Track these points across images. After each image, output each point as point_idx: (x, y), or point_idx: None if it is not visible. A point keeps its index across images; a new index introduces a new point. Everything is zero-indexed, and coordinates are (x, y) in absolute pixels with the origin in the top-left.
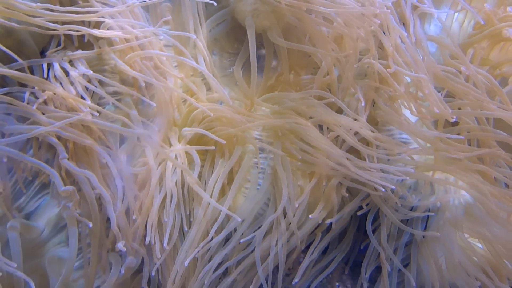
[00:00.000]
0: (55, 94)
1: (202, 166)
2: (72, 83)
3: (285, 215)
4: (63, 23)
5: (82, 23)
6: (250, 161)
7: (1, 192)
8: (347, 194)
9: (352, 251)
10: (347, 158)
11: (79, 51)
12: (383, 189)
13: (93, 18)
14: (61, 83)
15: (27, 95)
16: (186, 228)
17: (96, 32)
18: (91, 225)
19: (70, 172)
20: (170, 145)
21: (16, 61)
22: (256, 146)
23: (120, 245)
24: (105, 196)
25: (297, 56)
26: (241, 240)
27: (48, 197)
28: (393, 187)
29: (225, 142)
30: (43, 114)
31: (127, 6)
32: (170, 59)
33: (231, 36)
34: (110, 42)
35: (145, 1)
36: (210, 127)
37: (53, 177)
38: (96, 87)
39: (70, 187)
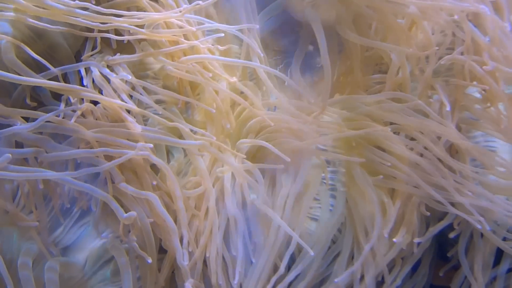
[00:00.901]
0: (95, 104)
1: None
2: (115, 91)
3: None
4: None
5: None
6: (318, 177)
7: (37, 224)
8: (428, 213)
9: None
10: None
11: (119, 55)
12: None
13: (139, 22)
14: (101, 91)
15: (62, 107)
16: (252, 259)
17: (143, 32)
18: (150, 260)
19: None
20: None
21: (48, 69)
22: (322, 159)
23: (189, 286)
24: (170, 224)
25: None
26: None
27: (89, 226)
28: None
29: (289, 159)
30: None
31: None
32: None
33: (278, 32)
34: (154, 44)
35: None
36: (270, 139)
37: (109, 203)
38: (141, 94)
39: (133, 213)
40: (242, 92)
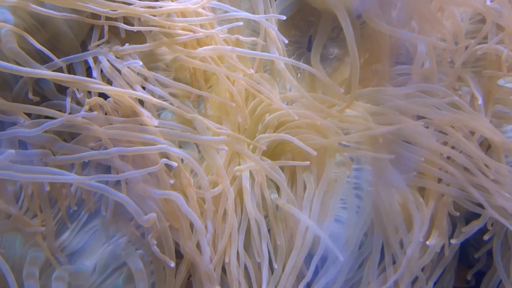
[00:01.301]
0: (104, 98)
1: None
2: (126, 83)
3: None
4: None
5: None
6: (344, 176)
7: (43, 230)
8: (458, 213)
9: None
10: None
11: (128, 45)
12: None
13: (153, 12)
14: (111, 83)
15: (68, 101)
16: (275, 266)
17: (155, 20)
18: (172, 264)
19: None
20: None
21: (52, 60)
22: (346, 157)
23: None
24: (197, 225)
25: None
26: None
27: (97, 230)
28: None
29: (315, 153)
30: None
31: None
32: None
33: (289, 22)
34: (167, 34)
35: None
36: (290, 135)
37: (127, 205)
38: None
39: (154, 215)
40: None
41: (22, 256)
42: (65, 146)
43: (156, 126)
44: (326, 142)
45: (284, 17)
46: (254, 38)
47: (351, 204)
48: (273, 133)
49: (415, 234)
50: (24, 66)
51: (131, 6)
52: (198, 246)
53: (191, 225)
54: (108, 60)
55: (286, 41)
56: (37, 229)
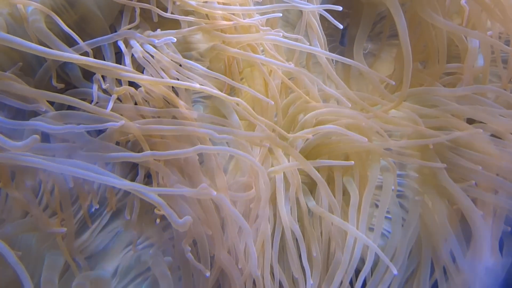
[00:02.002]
0: (135, 87)
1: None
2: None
3: None
4: None
5: None
6: (389, 184)
7: (64, 231)
8: (510, 228)
9: None
10: None
11: (159, 31)
12: None
13: None
14: (143, 70)
15: (96, 89)
16: (311, 281)
17: (192, 5)
18: (208, 274)
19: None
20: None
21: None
22: (391, 162)
23: None
24: (244, 225)
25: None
26: None
27: (120, 231)
28: None
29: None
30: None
31: None
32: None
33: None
34: (203, 20)
35: None
36: (329, 135)
37: (162, 208)
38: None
39: (189, 218)
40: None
41: (38, 257)
42: (92, 141)
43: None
44: (370, 145)
45: (340, 8)
46: (298, 36)
47: (396, 215)
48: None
49: (478, 250)
50: (51, 49)
51: None
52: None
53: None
54: (140, 45)
55: (341, 26)
56: (58, 230)
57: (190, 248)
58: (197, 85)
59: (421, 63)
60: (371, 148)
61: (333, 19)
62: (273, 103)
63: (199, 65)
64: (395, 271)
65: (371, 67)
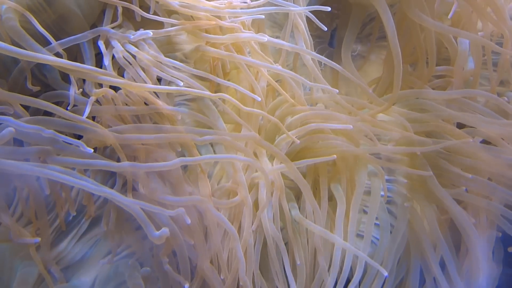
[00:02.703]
0: (116, 90)
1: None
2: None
3: None
4: None
5: None
6: (378, 190)
7: (38, 241)
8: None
9: None
10: None
11: (142, 30)
12: None
13: None
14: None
15: (72, 93)
16: None
17: (173, 6)
18: (187, 285)
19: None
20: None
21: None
22: (380, 168)
23: None
24: (232, 230)
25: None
26: None
27: (99, 240)
28: None
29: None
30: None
31: None
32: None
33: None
34: (187, 18)
35: None
36: (316, 139)
37: (137, 216)
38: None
39: (166, 230)
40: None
41: (11, 267)
42: (67, 148)
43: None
44: (357, 150)
45: (329, 9)
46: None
47: (384, 221)
48: (296, 137)
49: (474, 260)
50: (26, 49)
51: None
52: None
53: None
54: (122, 45)
55: (326, 29)
56: (31, 241)
57: (168, 260)
58: (180, 84)
59: (411, 65)
60: (358, 152)
61: (318, 21)
62: (260, 99)
63: (182, 64)
64: (385, 273)
65: (360, 69)
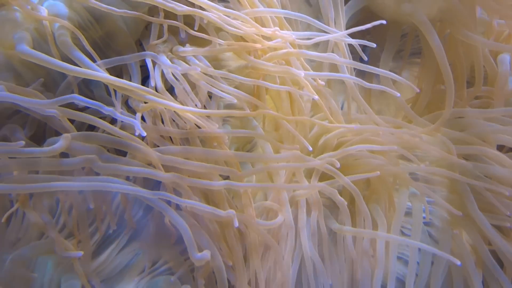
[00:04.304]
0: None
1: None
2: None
3: None
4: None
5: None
6: (420, 213)
7: (82, 254)
8: None
9: None
10: None
11: (189, 47)
12: None
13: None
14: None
15: (119, 108)
16: None
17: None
18: None
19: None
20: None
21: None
22: (421, 189)
23: None
24: (275, 247)
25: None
26: None
27: (138, 253)
28: None
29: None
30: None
31: None
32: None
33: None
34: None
35: None
36: (353, 158)
37: (184, 233)
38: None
39: (207, 254)
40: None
41: (52, 279)
42: (113, 159)
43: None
44: (396, 169)
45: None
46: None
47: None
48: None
49: None
50: (77, 64)
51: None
52: None
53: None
54: (170, 60)
55: (366, 58)
56: (75, 254)
57: (203, 281)
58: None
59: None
60: (397, 172)
61: (359, 49)
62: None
63: (226, 85)
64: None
65: (391, 86)
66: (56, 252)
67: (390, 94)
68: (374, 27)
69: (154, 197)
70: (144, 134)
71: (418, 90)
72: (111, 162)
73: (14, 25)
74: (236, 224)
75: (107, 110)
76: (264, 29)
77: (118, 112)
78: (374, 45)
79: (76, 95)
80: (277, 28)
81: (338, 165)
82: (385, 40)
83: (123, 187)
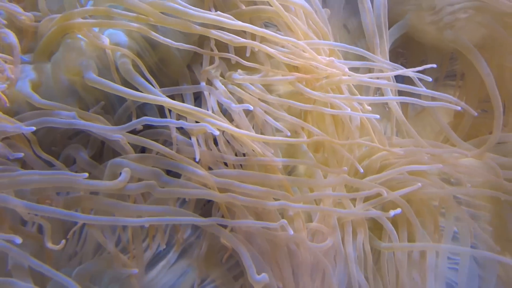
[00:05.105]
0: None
1: None
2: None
3: None
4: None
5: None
6: (467, 238)
7: (137, 271)
8: None
9: None
10: None
11: (243, 74)
12: None
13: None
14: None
15: (174, 132)
16: None
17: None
18: None
19: None
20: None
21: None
22: (464, 212)
23: None
24: (327, 267)
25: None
26: None
27: (187, 271)
28: None
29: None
30: None
31: None
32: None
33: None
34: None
35: None
36: (396, 181)
37: (242, 256)
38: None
39: (265, 276)
40: None
41: None
42: (172, 182)
43: None
44: (442, 192)
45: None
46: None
47: (472, 270)
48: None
49: None
50: (139, 90)
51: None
52: None
53: None
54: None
55: (430, 80)
56: (133, 271)
57: None
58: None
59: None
60: (443, 194)
61: (419, 82)
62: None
63: (276, 110)
64: None
65: (419, 113)
66: (113, 267)
67: (425, 116)
68: (410, 50)
69: (209, 223)
70: (198, 158)
71: (459, 108)
72: (170, 185)
73: (79, 53)
74: (291, 231)
75: (175, 123)
76: (320, 57)
77: (173, 135)
78: (430, 79)
79: (146, 117)
80: (333, 58)
81: (385, 194)
82: (421, 64)
83: (180, 218)
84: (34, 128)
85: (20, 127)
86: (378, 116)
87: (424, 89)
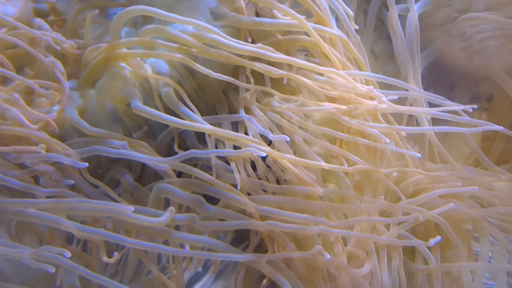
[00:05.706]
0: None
1: None
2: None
3: None
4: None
5: None
6: (503, 261)
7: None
8: None
9: None
10: None
11: (282, 102)
12: None
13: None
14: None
15: (214, 158)
16: None
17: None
18: None
19: None
20: None
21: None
22: (499, 234)
23: None
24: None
25: None
26: None
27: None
28: None
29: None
30: None
31: None
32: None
33: None
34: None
35: None
36: (429, 205)
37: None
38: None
39: None
40: None
41: None
42: (212, 210)
43: None
44: (473, 213)
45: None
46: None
47: None
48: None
49: None
50: (182, 118)
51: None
52: None
53: None
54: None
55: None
56: None
57: None
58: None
59: None
60: (475, 216)
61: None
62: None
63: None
64: None
65: (445, 136)
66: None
67: (450, 139)
68: (435, 74)
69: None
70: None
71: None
72: (210, 212)
73: (124, 82)
74: (328, 256)
75: (222, 152)
76: (359, 85)
77: (213, 161)
78: (471, 110)
79: (194, 150)
80: (372, 87)
81: (421, 219)
82: (450, 90)
83: (219, 255)
84: (87, 164)
85: (76, 163)
86: (419, 155)
87: (467, 117)
